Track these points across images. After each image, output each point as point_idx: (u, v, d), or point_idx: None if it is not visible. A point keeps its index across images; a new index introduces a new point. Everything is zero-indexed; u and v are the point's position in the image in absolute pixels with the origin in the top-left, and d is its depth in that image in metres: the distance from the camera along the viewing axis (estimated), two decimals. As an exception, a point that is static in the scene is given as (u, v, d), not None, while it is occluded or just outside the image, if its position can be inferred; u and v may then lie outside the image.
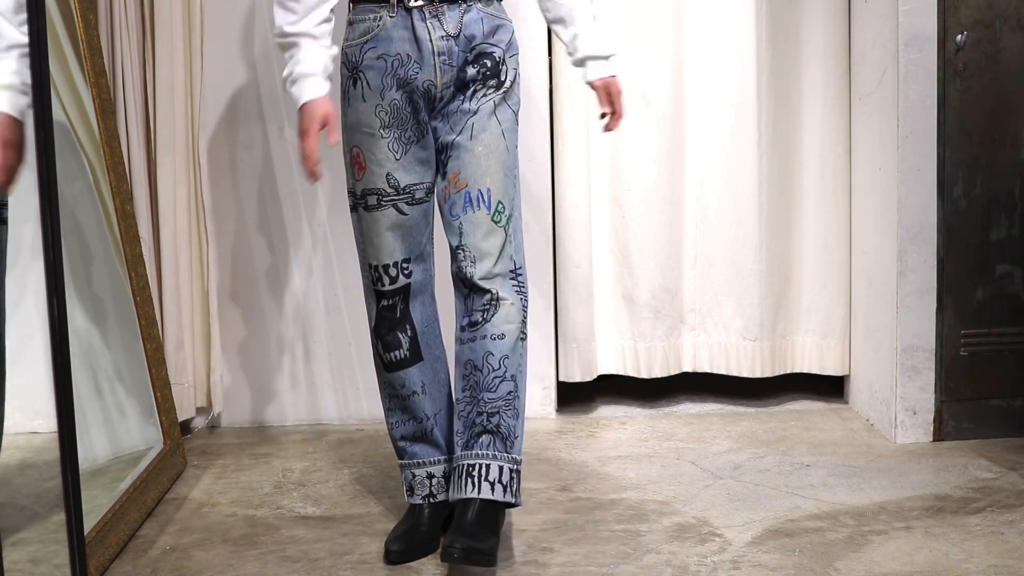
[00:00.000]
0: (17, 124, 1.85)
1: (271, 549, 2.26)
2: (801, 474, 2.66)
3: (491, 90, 2.09)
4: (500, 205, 2.09)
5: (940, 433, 2.89)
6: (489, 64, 2.09)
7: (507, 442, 2.08)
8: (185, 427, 3.07)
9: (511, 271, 2.11)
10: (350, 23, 2.11)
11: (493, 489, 2.05)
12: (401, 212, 2.12)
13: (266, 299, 3.16)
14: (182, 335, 2.99)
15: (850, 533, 2.27)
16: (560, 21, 2.24)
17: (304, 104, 2.04)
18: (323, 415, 3.20)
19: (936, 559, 2.13)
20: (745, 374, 3.25)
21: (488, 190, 2.08)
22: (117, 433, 2.58)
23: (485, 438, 2.07)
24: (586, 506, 2.45)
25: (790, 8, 3.15)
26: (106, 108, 2.58)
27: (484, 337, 2.08)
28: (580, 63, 2.24)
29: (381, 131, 2.08)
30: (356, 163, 2.12)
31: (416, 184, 2.12)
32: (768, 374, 3.26)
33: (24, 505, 2.25)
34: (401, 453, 2.27)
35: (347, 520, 2.42)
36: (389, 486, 2.64)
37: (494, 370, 2.08)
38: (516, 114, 2.15)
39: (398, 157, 2.09)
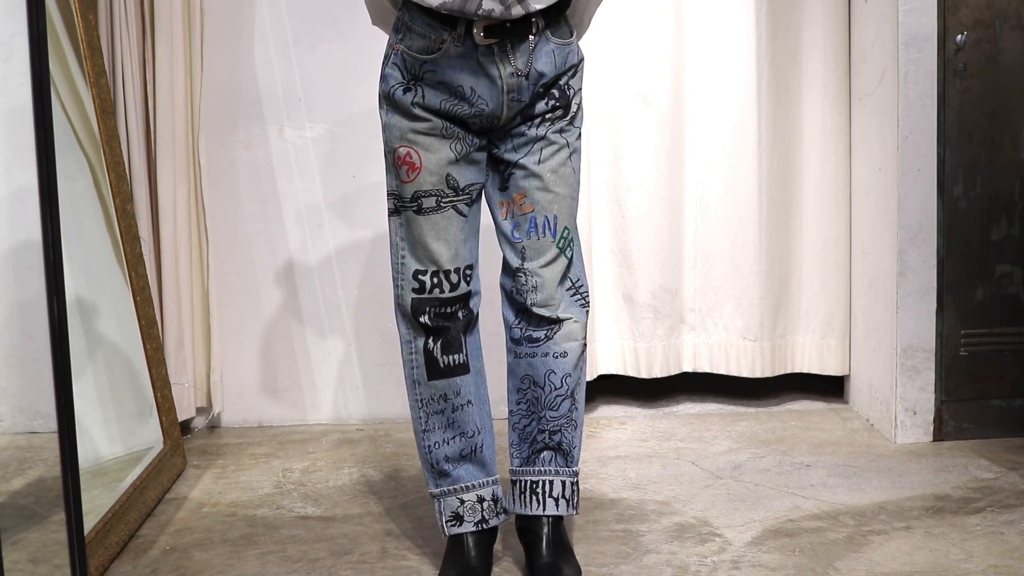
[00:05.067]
0: None
1: (271, 549, 2.26)
2: (801, 474, 2.66)
3: (559, 119, 2.01)
4: (565, 231, 2.03)
5: (940, 433, 2.89)
6: (558, 94, 1.99)
7: (568, 457, 2.08)
8: (185, 427, 3.07)
9: (569, 289, 2.06)
10: (407, 27, 1.94)
11: (557, 505, 2.06)
12: (461, 214, 2.01)
13: (266, 299, 3.16)
14: (182, 335, 2.98)
15: (850, 533, 2.27)
16: None
17: None
18: (323, 415, 3.20)
19: (936, 559, 2.13)
20: (745, 374, 3.25)
21: (555, 217, 2.01)
22: (117, 433, 2.58)
23: (547, 454, 2.06)
24: (586, 506, 2.45)
25: (790, 8, 3.15)
26: (106, 108, 2.58)
27: (547, 355, 2.02)
28: None
29: (443, 131, 1.96)
30: (405, 163, 1.98)
31: (473, 184, 2.01)
32: (768, 374, 3.26)
33: (24, 505, 2.25)
34: (442, 478, 2.07)
35: (347, 520, 2.42)
36: (389, 486, 2.64)
37: (556, 389, 2.03)
38: (580, 129, 2.06)
39: (458, 158, 1.98)
